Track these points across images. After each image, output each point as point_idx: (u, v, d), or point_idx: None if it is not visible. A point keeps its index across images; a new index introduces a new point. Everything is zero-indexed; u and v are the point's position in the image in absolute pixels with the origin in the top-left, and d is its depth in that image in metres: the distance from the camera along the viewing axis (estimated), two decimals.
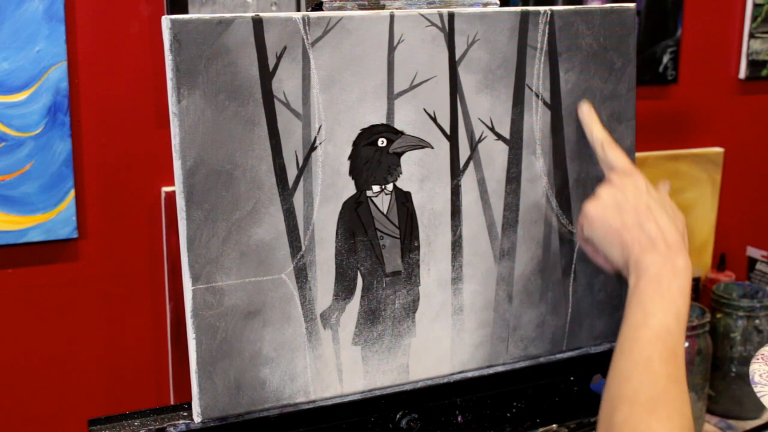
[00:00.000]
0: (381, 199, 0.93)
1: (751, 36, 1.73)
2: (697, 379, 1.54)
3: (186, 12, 1.28)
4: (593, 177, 1.03)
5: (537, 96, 0.99)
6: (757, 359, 1.00)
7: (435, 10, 0.93)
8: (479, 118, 0.97)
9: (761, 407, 1.61)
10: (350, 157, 0.91)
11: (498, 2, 0.98)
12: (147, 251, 1.35)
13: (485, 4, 0.97)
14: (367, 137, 0.92)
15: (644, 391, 0.80)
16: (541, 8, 0.98)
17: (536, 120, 0.99)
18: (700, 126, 1.76)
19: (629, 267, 0.89)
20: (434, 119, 0.95)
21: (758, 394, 0.92)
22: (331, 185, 0.91)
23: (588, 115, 1.00)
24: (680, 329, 0.84)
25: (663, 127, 1.72)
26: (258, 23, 0.85)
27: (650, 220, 0.89)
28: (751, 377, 0.96)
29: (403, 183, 0.94)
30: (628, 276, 0.89)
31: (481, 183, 0.98)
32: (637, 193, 0.92)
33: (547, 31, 0.98)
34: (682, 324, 0.84)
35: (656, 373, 0.81)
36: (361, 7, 0.92)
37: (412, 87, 0.93)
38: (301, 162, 0.89)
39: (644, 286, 0.86)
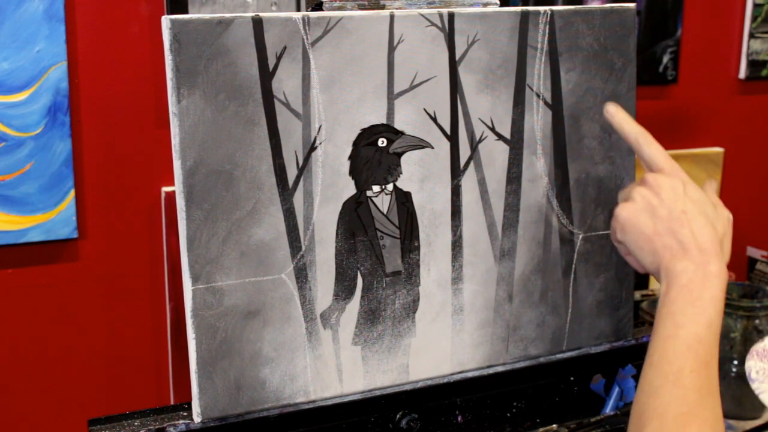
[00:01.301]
0: (381, 199, 0.93)
1: (751, 36, 1.73)
2: None
3: (186, 12, 1.28)
4: (594, 177, 1.03)
5: (538, 96, 0.99)
6: (752, 356, 1.00)
7: (435, 10, 0.93)
8: (479, 118, 0.97)
9: (761, 407, 1.61)
10: (350, 157, 0.91)
11: (498, 2, 0.98)
12: (147, 251, 1.35)
13: (485, 4, 0.97)
14: (367, 137, 0.92)
15: (674, 406, 0.77)
16: (541, 8, 0.98)
17: (537, 120, 0.99)
18: (700, 126, 1.76)
19: (661, 274, 0.85)
20: (434, 119, 0.94)
21: (756, 392, 0.92)
22: (331, 185, 0.91)
23: (615, 113, 0.93)
24: (712, 339, 0.80)
25: (663, 127, 1.71)
26: (258, 23, 0.85)
27: (684, 226, 0.84)
28: (747, 374, 0.96)
29: (403, 183, 0.94)
30: (660, 282, 0.86)
31: (482, 183, 0.98)
32: (674, 195, 0.86)
33: (547, 31, 0.98)
34: (714, 333, 0.81)
35: (686, 387, 0.78)
36: (361, 7, 0.92)
37: (412, 87, 0.93)
38: (301, 162, 0.89)
39: (675, 295, 0.82)
